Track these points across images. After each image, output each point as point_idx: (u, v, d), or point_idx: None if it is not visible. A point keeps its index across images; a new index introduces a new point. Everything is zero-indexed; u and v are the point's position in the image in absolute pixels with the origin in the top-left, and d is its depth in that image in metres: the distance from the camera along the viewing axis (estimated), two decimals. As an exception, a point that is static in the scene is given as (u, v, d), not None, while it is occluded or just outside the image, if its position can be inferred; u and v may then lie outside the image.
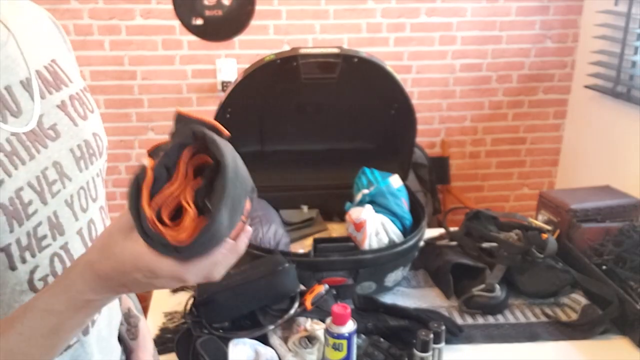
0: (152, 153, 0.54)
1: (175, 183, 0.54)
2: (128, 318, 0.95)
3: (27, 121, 0.65)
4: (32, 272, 0.64)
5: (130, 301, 0.98)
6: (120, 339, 0.88)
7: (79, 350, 0.71)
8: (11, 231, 0.61)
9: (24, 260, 0.63)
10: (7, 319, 0.60)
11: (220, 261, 0.56)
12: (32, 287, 0.65)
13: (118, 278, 0.56)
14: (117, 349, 0.86)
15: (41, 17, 0.75)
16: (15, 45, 0.67)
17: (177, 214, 0.54)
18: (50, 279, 0.66)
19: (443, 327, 1.06)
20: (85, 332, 0.71)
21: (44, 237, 0.65)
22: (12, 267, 0.62)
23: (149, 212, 0.51)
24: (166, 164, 0.53)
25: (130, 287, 0.58)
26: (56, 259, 0.67)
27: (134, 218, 0.52)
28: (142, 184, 0.52)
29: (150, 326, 1.23)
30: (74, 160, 0.70)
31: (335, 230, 1.57)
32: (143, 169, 0.52)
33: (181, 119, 0.54)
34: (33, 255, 0.64)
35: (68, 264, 0.68)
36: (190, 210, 0.52)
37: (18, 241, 0.62)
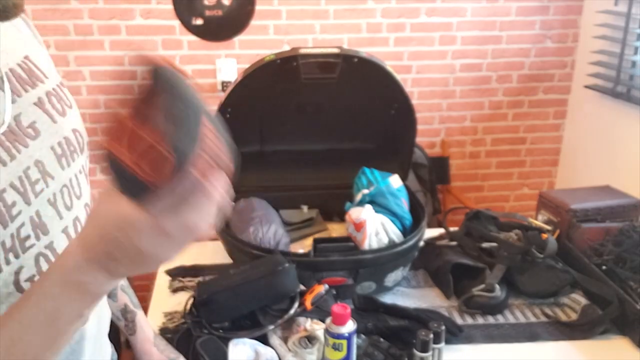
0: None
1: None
2: (125, 314, 0.95)
3: (2, 121, 0.63)
4: (17, 273, 0.63)
5: (127, 296, 0.98)
6: (112, 338, 0.88)
7: (69, 349, 0.70)
8: None
9: (8, 262, 0.62)
10: (9, 308, 0.59)
11: (193, 203, 0.52)
12: (19, 289, 0.64)
13: (102, 245, 0.54)
14: (108, 347, 0.86)
15: None
16: None
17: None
18: (37, 278, 0.64)
19: (443, 327, 1.06)
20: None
21: (27, 237, 0.64)
22: None
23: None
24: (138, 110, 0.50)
25: (116, 255, 0.54)
26: (41, 259, 0.66)
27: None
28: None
29: (150, 326, 1.24)
30: (55, 158, 0.69)
31: (335, 230, 1.57)
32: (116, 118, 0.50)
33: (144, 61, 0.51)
34: (17, 257, 0.63)
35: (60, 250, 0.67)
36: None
37: (2, 244, 0.61)
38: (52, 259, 0.67)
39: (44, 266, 0.66)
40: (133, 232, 0.52)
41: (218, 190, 0.53)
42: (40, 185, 0.66)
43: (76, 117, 0.76)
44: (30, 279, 0.65)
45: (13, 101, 0.65)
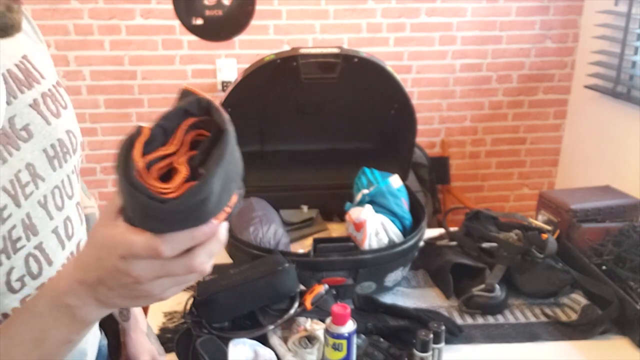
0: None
1: (171, 147, 0.51)
2: None
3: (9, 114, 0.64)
4: (9, 273, 0.64)
5: None
6: (102, 323, 0.88)
7: None
8: None
9: (0, 264, 0.62)
10: (5, 322, 0.59)
11: (202, 242, 0.51)
12: (10, 289, 0.64)
13: (95, 269, 0.53)
14: (97, 333, 0.87)
15: None
16: None
17: (167, 177, 0.49)
18: (27, 279, 0.66)
19: (443, 327, 1.06)
20: None
21: (19, 239, 0.65)
22: None
23: (139, 161, 0.48)
24: (164, 127, 0.50)
25: (108, 282, 0.53)
26: (31, 259, 0.67)
27: (120, 167, 0.48)
28: (136, 140, 0.49)
29: (150, 326, 1.24)
30: (47, 160, 0.69)
31: (335, 230, 1.57)
32: (139, 128, 0.49)
33: (187, 94, 0.51)
34: (8, 258, 0.63)
35: (43, 263, 0.68)
36: (183, 170, 0.49)
37: None
38: (41, 258, 0.67)
39: (33, 266, 0.66)
40: (130, 257, 0.50)
41: (225, 236, 0.53)
42: (30, 188, 0.66)
43: (71, 117, 0.75)
44: (20, 279, 0.65)
45: (8, 103, 0.65)
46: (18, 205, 0.64)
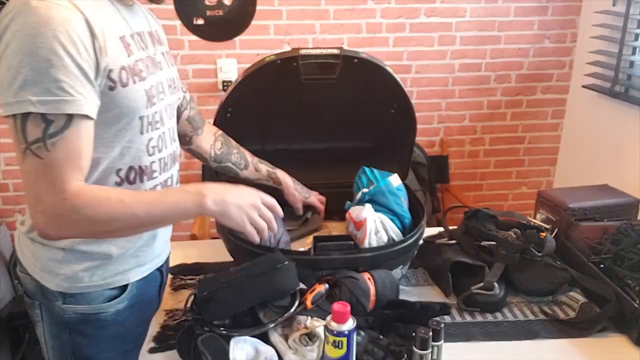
0: None
1: None
2: (269, 175, 1.53)
3: (152, 52, 1.13)
4: (149, 140, 1.10)
5: (263, 166, 1.53)
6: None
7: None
8: (147, 107, 1.06)
9: (147, 130, 1.09)
10: (161, 191, 1.14)
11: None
12: (147, 151, 1.10)
13: (236, 192, 1.07)
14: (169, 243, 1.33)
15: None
16: (143, 12, 1.17)
17: None
18: (156, 149, 1.12)
19: (442, 325, 1.07)
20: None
21: (157, 122, 1.11)
22: (141, 132, 1.07)
23: None
24: None
25: (236, 200, 1.06)
26: (160, 139, 1.13)
27: None
28: None
29: (151, 324, 1.25)
30: (167, 86, 1.16)
31: (335, 229, 1.58)
32: None
33: None
34: (152, 130, 1.10)
35: (163, 144, 1.15)
36: None
37: (147, 116, 1.07)
38: (164, 140, 1.15)
39: (160, 143, 1.13)
40: (262, 200, 1.11)
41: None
42: (162, 95, 1.13)
43: (176, 71, 1.24)
44: (153, 147, 1.11)
45: (153, 46, 1.15)
46: (159, 101, 1.11)
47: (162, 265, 1.28)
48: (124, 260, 1.15)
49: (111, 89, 0.98)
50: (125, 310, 1.17)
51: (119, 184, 1.07)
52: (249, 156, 1.48)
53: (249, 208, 1.07)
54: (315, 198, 1.58)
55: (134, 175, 1.09)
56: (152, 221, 1.04)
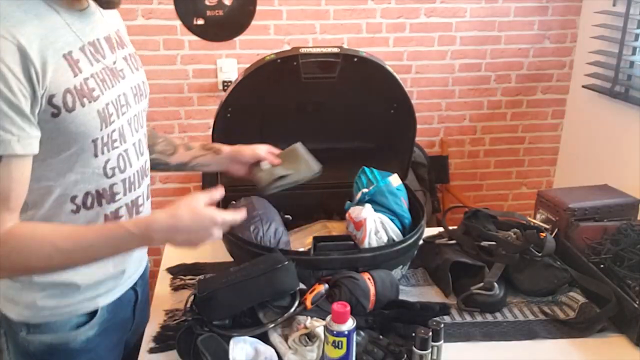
0: None
1: None
2: (205, 147, 1.36)
3: (111, 61, 1.02)
4: (106, 162, 1.01)
5: (197, 143, 1.38)
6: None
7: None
8: (100, 129, 0.97)
9: (102, 152, 0.99)
10: (102, 226, 1.01)
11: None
12: (105, 173, 1.01)
13: (188, 224, 0.96)
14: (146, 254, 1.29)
15: None
16: (99, 14, 1.04)
17: None
18: (116, 170, 1.03)
19: (442, 325, 1.07)
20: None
21: (115, 141, 1.01)
22: (95, 155, 0.98)
23: None
24: None
25: (188, 234, 0.97)
26: (120, 157, 1.04)
27: None
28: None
29: (151, 324, 1.25)
30: (132, 95, 1.07)
31: (335, 229, 1.58)
32: None
33: None
34: (108, 151, 1.01)
35: (128, 162, 1.05)
36: None
37: (102, 138, 0.98)
38: (127, 159, 1.05)
39: (121, 163, 1.04)
40: (221, 222, 0.99)
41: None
42: (124, 109, 1.04)
43: (144, 74, 1.15)
44: (112, 169, 1.02)
45: (113, 52, 1.04)
46: (118, 117, 1.01)
47: (136, 283, 1.21)
48: (91, 287, 1.07)
49: (55, 115, 0.90)
50: (96, 337, 1.09)
51: (75, 212, 1.00)
52: (177, 140, 1.35)
53: (203, 238, 0.99)
54: (262, 149, 1.37)
55: (92, 201, 1.02)
56: (91, 262, 0.97)
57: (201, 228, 0.97)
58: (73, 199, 0.99)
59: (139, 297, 1.23)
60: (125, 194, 1.06)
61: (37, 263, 0.91)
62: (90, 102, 0.94)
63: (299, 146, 1.39)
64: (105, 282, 1.09)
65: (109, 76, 1.00)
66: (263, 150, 1.35)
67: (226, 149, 1.34)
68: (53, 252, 0.91)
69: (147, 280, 1.31)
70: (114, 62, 1.03)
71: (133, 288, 1.20)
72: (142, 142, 1.12)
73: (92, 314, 1.09)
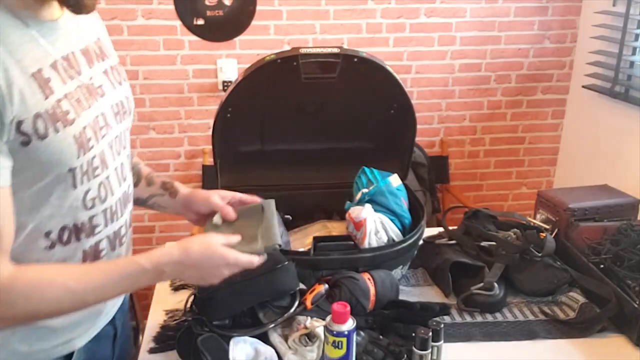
0: None
1: None
2: (165, 186, 1.19)
3: (88, 77, 0.91)
4: (86, 193, 0.90)
5: (159, 178, 1.21)
6: None
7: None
8: (78, 157, 0.85)
9: (82, 182, 0.88)
10: (114, 263, 0.95)
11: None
12: (84, 205, 0.90)
13: (200, 261, 0.95)
14: None
15: None
16: (75, 23, 0.92)
17: None
18: (97, 200, 0.92)
19: (442, 325, 1.07)
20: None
21: (96, 168, 0.90)
22: (74, 186, 0.87)
23: None
24: None
25: (199, 271, 0.95)
26: (102, 186, 0.93)
27: None
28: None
29: (151, 324, 1.25)
30: (113, 114, 0.96)
31: (335, 229, 1.58)
32: None
33: None
34: (88, 180, 0.89)
35: (110, 190, 0.94)
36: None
37: (81, 166, 0.87)
38: (108, 188, 0.94)
39: (102, 192, 0.93)
40: (234, 263, 0.97)
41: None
42: (104, 131, 0.92)
43: (127, 88, 1.03)
44: (92, 199, 0.91)
45: (90, 67, 0.93)
46: (97, 141, 0.90)
47: (114, 317, 1.11)
48: (67, 329, 0.97)
49: (24, 143, 0.79)
50: None
51: (49, 248, 0.89)
52: (144, 169, 1.20)
53: (213, 276, 0.97)
54: (219, 198, 1.15)
55: (69, 235, 0.90)
56: (103, 300, 0.94)
57: (212, 266, 0.95)
58: (47, 234, 0.88)
59: (117, 331, 1.13)
60: (106, 226, 0.96)
61: (46, 308, 0.85)
62: (65, 126, 0.82)
63: (268, 205, 1.15)
64: (81, 323, 0.99)
65: (85, 95, 0.88)
66: (221, 200, 1.13)
67: (183, 191, 1.16)
68: (63, 294, 0.84)
69: (127, 311, 1.21)
70: (90, 78, 0.91)
71: (111, 323, 1.09)
72: (125, 165, 1.00)
73: (68, 357, 0.99)
